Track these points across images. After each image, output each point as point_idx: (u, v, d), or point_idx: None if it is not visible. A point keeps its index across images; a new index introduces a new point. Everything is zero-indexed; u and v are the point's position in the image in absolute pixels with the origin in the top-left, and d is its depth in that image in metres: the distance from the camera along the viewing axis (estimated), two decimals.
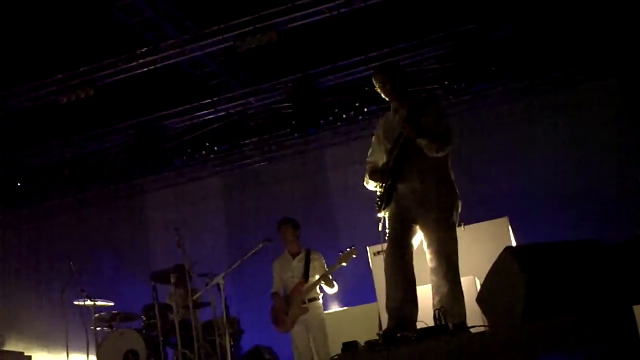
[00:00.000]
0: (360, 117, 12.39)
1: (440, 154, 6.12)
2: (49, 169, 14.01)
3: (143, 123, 12.91)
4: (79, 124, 12.87)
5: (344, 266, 9.01)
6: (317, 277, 9.16)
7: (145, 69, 11.41)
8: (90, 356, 9.91)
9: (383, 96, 6.47)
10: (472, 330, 5.67)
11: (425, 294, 6.23)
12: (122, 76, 11.53)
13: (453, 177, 6.29)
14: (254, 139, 13.37)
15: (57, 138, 13.39)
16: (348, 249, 8.95)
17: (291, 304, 9.12)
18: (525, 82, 12.08)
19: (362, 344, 5.88)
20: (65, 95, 11.64)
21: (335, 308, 10.88)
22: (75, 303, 10.20)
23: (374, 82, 6.48)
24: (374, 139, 6.65)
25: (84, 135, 13.30)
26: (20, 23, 10.36)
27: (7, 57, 10.94)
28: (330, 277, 9.15)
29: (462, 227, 6.82)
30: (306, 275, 9.25)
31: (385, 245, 6.40)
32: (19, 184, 13.95)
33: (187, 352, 9.19)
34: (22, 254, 14.25)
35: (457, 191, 6.27)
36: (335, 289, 9.29)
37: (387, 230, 6.31)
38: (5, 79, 11.67)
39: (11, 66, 11.27)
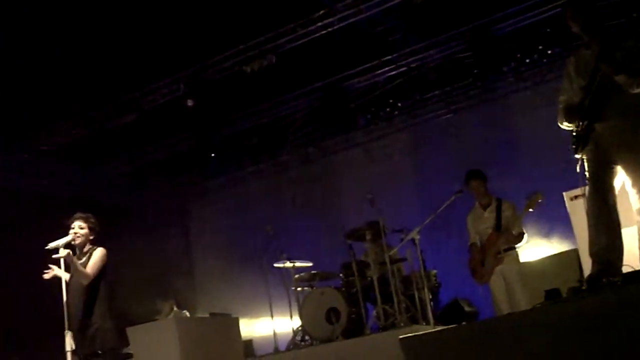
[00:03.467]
0: (545, 60, 11.98)
1: None
2: (239, 138, 14.47)
3: (326, 85, 13.06)
4: (265, 92, 13.20)
5: (530, 212, 8.81)
6: (510, 226, 9.01)
7: (324, 32, 11.51)
8: (293, 316, 10.24)
9: (574, 31, 6.17)
10: None
11: (630, 236, 5.98)
12: (301, 41, 11.68)
13: None
14: (437, 92, 13.23)
15: (245, 107, 13.80)
16: (533, 194, 8.72)
17: (486, 255, 9.02)
18: None
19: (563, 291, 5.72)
20: (248, 64, 11.96)
21: (531, 256, 10.67)
22: (275, 265, 10.55)
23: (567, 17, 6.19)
24: (564, 77, 6.37)
25: (271, 101, 13.64)
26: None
27: (194, 32, 11.36)
28: (520, 231, 8.96)
29: None
30: (498, 226, 9.12)
31: (583, 189, 6.16)
32: (212, 155, 14.53)
33: (386, 307, 9.29)
34: (220, 222, 14.85)
35: None
36: (524, 241, 9.11)
37: (586, 173, 6.07)
38: (192, 54, 12.14)
39: (197, 41, 11.69)
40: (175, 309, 11.26)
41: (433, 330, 8.15)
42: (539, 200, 8.71)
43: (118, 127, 13.14)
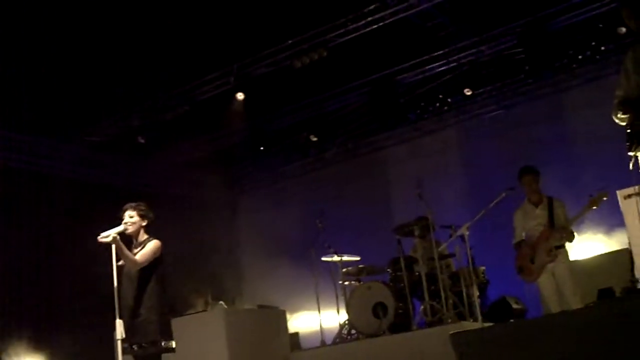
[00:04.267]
0: (598, 57, 11.83)
1: None
2: (288, 131, 14.53)
3: (376, 80, 13.07)
4: (314, 86, 13.23)
5: (594, 209, 8.67)
6: (563, 224, 8.89)
7: (374, 26, 11.51)
8: (340, 310, 10.25)
9: (631, 28, 6.06)
10: None
11: None
12: (352, 35, 11.71)
13: None
14: (488, 87, 13.14)
15: (295, 101, 13.84)
16: (598, 192, 8.57)
17: (537, 252, 8.91)
18: None
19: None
20: (299, 58, 12.00)
21: (581, 255, 10.55)
22: (323, 259, 10.57)
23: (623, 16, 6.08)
24: (622, 72, 6.25)
25: (320, 96, 13.66)
26: None
27: (245, 26, 11.42)
28: (571, 230, 8.84)
29: None
30: (551, 223, 9.00)
31: (637, 188, 6.07)
32: (261, 148, 14.59)
33: (434, 303, 9.27)
34: (267, 215, 14.90)
35: None
36: (575, 239, 8.99)
37: None
38: (244, 47, 12.21)
39: (248, 35, 11.76)
40: (210, 301, 11.31)
41: (484, 326, 8.13)
42: (604, 199, 8.55)
43: (170, 118, 13.28)
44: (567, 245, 8.95)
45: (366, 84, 13.28)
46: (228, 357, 8.91)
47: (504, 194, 9.02)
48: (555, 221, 8.92)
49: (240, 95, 13.14)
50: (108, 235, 6.59)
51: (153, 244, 6.79)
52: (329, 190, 14.45)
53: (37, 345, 11.93)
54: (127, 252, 6.62)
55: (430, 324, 9.14)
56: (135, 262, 6.68)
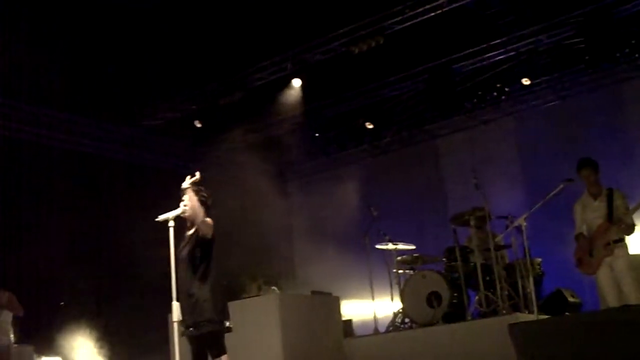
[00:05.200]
0: None
1: None
2: (344, 118, 14.52)
3: (433, 68, 12.98)
4: (371, 73, 13.19)
5: None
6: (622, 217, 8.74)
7: (432, 13, 11.44)
8: (394, 298, 10.24)
9: None
10: None
11: None
12: (410, 22, 11.65)
13: None
14: (546, 77, 12.97)
15: (351, 88, 13.82)
16: None
17: (595, 246, 8.79)
18: None
19: None
20: (356, 45, 11.98)
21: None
22: (377, 247, 10.57)
23: None
24: None
25: (376, 83, 13.62)
26: None
27: (303, 12, 11.43)
28: (630, 222, 8.68)
29: None
30: (609, 216, 8.86)
31: None
32: (316, 134, 14.61)
33: (489, 293, 9.20)
34: (321, 202, 14.90)
35: None
36: (634, 233, 8.83)
37: None
38: (301, 34, 12.22)
39: (305, 21, 11.76)
40: (263, 287, 11.35)
41: (539, 318, 8.07)
42: None
43: (226, 104, 13.36)
44: (627, 238, 8.81)
45: (423, 72, 13.21)
46: (281, 342, 8.94)
47: (562, 185, 8.89)
48: (614, 214, 8.78)
49: (297, 82, 13.17)
50: (167, 220, 6.64)
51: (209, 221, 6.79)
52: (384, 178, 14.43)
53: (96, 323, 12.15)
54: (198, 210, 6.64)
55: (484, 315, 9.09)
56: (209, 224, 6.68)
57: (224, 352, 6.56)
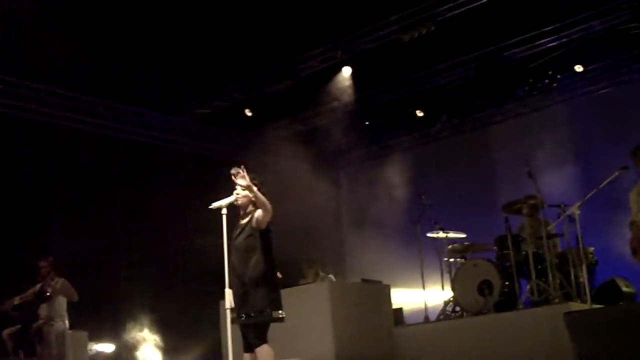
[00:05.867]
0: None
1: None
2: (394, 106, 14.49)
3: (484, 55, 12.87)
4: (421, 60, 13.12)
5: None
6: None
7: (484, 0, 11.33)
8: (445, 286, 10.21)
9: None
10: None
11: None
12: (461, 9, 11.56)
13: None
14: (598, 64, 12.79)
15: (401, 76, 13.76)
16: None
17: None
18: None
19: None
20: (406, 32, 11.93)
21: None
22: (429, 235, 10.54)
23: None
24: None
25: (427, 70, 13.55)
26: None
27: (352, 0, 11.42)
28: None
29: None
30: None
31: None
32: (366, 123, 14.59)
33: (540, 282, 9.12)
34: (371, 190, 14.90)
35: None
36: None
37: None
38: (350, 22, 12.21)
39: (355, 9, 11.73)
40: (320, 273, 11.40)
41: (592, 308, 7.99)
42: None
43: (276, 92, 13.41)
44: None
45: (474, 59, 13.10)
46: (332, 329, 8.98)
47: (617, 173, 8.79)
48: None
49: (347, 70, 13.17)
50: (221, 208, 6.68)
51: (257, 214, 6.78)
52: (434, 166, 14.37)
53: (149, 310, 12.33)
54: (261, 195, 6.66)
55: (536, 304, 9.00)
56: (269, 210, 6.69)
57: (265, 342, 6.56)
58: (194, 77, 12.94)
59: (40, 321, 9.63)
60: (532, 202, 9.54)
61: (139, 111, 13.63)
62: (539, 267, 9.32)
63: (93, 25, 11.40)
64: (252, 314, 6.57)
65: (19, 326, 9.56)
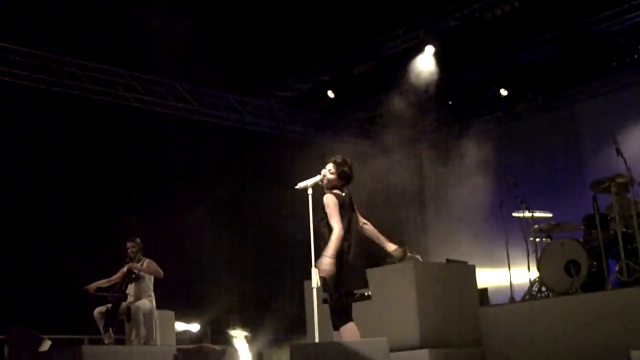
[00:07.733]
0: None
1: None
2: (477, 85, 14.35)
3: (570, 31, 12.62)
4: (505, 38, 12.94)
5: None
6: None
7: None
8: (531, 266, 10.10)
9: None
10: None
11: None
12: None
13: None
14: None
15: (484, 54, 13.62)
16: None
17: None
18: None
19: None
20: (490, 10, 11.79)
21: None
22: (514, 215, 10.43)
23: None
24: None
25: (511, 48, 13.37)
26: None
27: None
28: None
29: None
30: None
31: None
32: (450, 102, 14.48)
33: (630, 262, 8.94)
34: (456, 170, 14.80)
35: None
36: None
37: None
38: (429, 0, 12.14)
39: None
40: (408, 253, 11.37)
41: None
42: None
43: (359, 73, 13.43)
44: None
45: (559, 36, 12.87)
46: (417, 310, 8.95)
47: None
48: None
49: (430, 49, 13.09)
50: (306, 188, 6.74)
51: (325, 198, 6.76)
52: (519, 145, 14.19)
53: (235, 290, 12.54)
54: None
55: (625, 284, 8.83)
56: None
57: (350, 320, 6.58)
58: (279, 61, 13.05)
59: (129, 300, 9.89)
60: (620, 180, 9.34)
61: (218, 94, 13.83)
62: (629, 246, 9.13)
63: (181, 11, 11.58)
64: (337, 294, 6.58)
65: (109, 305, 9.81)
